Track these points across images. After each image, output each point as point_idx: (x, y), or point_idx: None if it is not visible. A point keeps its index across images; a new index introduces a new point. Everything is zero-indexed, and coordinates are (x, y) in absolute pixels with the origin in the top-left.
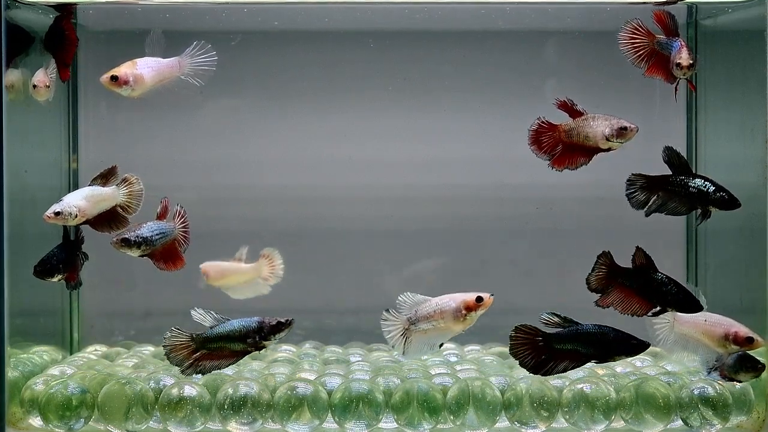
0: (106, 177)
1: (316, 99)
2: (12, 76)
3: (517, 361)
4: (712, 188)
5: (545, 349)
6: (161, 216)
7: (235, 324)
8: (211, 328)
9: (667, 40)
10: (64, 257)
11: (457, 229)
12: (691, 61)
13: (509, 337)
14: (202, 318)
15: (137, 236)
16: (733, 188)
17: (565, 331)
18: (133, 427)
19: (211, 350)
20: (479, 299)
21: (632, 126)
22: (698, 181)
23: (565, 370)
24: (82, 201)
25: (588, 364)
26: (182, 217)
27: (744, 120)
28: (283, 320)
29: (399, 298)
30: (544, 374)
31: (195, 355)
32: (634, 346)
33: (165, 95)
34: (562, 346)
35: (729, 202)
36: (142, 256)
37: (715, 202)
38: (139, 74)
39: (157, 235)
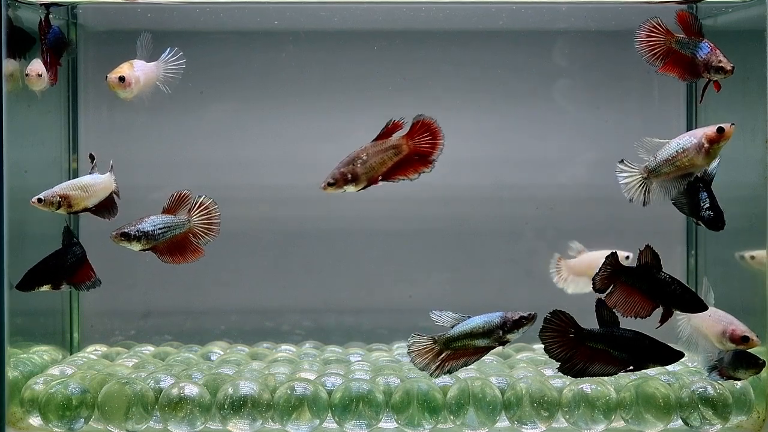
0: (93, 165)
1: (316, 99)
2: (10, 66)
3: (544, 347)
4: (707, 204)
5: (576, 343)
6: (169, 210)
7: (478, 321)
8: (451, 327)
9: (689, 40)
10: (51, 264)
11: (457, 229)
12: (732, 65)
13: (543, 319)
14: (439, 319)
15: (137, 230)
16: (733, 188)
17: (599, 330)
18: (133, 427)
19: (455, 349)
20: (720, 129)
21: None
22: (703, 194)
23: (595, 375)
24: (71, 190)
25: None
26: (205, 208)
27: (744, 120)
28: (525, 315)
29: (635, 142)
30: (575, 375)
31: (440, 357)
32: (668, 354)
33: (166, 95)
34: (594, 345)
35: (711, 222)
36: (144, 250)
37: (702, 218)
38: (137, 76)
39: (160, 229)
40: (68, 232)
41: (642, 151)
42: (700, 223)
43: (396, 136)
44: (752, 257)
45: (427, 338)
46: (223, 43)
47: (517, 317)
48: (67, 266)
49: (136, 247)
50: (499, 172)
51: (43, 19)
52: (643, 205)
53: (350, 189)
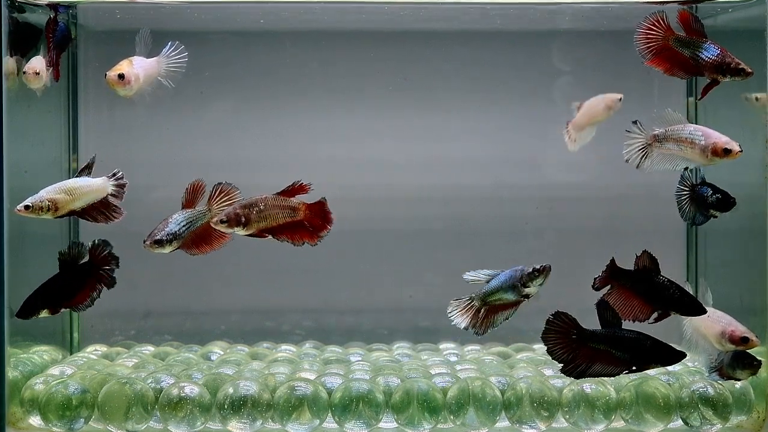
0: (91, 167)
1: (315, 99)
2: (10, 64)
3: (546, 348)
4: (710, 192)
5: (578, 344)
6: (188, 203)
7: (505, 275)
8: (487, 282)
9: (690, 40)
10: (50, 288)
11: (457, 229)
12: (752, 68)
13: (546, 321)
14: (475, 277)
15: (167, 234)
16: (733, 188)
17: (601, 331)
18: (133, 427)
19: (491, 304)
20: (726, 151)
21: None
22: (704, 189)
23: (597, 375)
24: (60, 194)
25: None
26: (226, 194)
27: (744, 120)
28: (537, 267)
29: (655, 110)
30: (578, 376)
31: (480, 314)
32: (670, 355)
33: (166, 94)
34: (596, 345)
35: (722, 202)
36: (174, 249)
37: (713, 205)
38: (137, 73)
39: (184, 226)
40: (67, 254)
41: (658, 120)
42: (715, 213)
43: (299, 199)
44: (757, 98)
45: (465, 297)
46: (222, 43)
47: (530, 270)
48: (68, 288)
49: (168, 249)
50: (499, 172)
51: (51, 19)
52: (636, 167)
53: (239, 232)
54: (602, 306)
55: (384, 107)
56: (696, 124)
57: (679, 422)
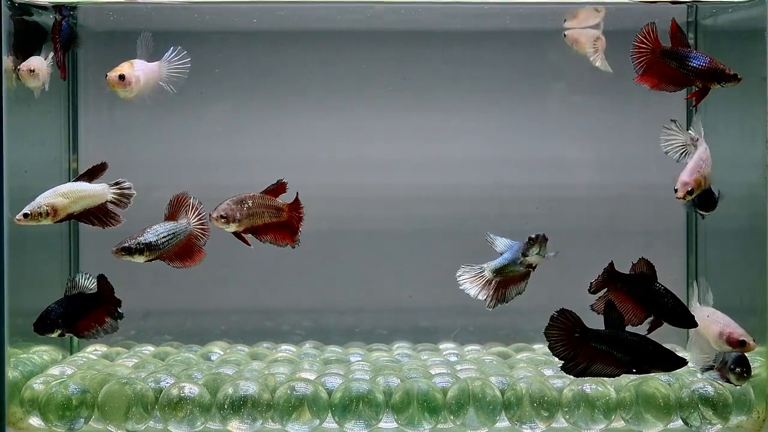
0: (93, 174)
1: (315, 99)
2: (10, 64)
3: (548, 344)
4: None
5: (580, 343)
6: (171, 215)
7: (515, 248)
8: (501, 254)
9: (677, 51)
10: (63, 310)
11: (457, 229)
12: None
13: (550, 318)
14: (491, 242)
15: (138, 243)
16: (733, 188)
17: (604, 331)
18: (133, 427)
19: (504, 275)
20: (691, 192)
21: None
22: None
23: (597, 375)
24: (57, 198)
25: (624, 376)
26: (196, 210)
27: (744, 120)
28: (532, 236)
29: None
30: (578, 374)
31: (492, 285)
32: (671, 361)
33: (167, 95)
34: (598, 345)
35: (700, 202)
36: (150, 260)
37: (694, 202)
38: (137, 75)
39: (164, 237)
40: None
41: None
42: (701, 211)
43: (282, 200)
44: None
45: (476, 266)
46: (222, 43)
47: (526, 240)
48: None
49: (139, 259)
50: (499, 172)
51: (57, 21)
52: (677, 161)
53: (231, 228)
54: (609, 307)
55: (383, 107)
56: (696, 125)
57: (679, 422)
